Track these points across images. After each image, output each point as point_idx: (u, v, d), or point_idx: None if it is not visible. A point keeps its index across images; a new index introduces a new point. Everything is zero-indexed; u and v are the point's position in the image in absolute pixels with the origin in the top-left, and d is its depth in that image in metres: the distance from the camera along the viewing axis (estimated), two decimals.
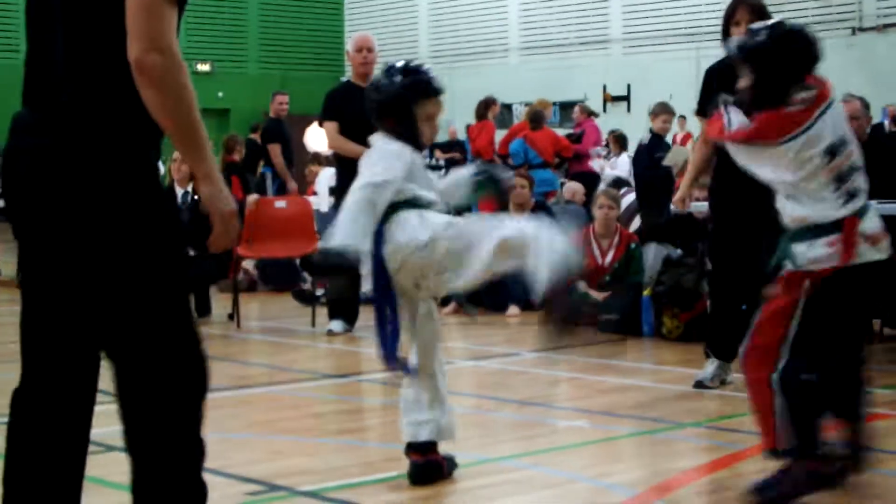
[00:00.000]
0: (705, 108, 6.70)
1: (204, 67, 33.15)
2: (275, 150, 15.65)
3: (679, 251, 9.97)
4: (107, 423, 6.29)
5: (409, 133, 4.96)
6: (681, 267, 9.38)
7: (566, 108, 25.33)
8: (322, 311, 10.17)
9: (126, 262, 3.13)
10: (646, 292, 9.60)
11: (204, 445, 3.34)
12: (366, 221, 4.72)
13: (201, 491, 3.32)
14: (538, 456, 5.66)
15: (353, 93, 9.34)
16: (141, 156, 3.18)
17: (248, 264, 12.72)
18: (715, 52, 6.96)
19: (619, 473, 5.31)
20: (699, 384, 7.09)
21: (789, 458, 4.65)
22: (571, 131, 19.36)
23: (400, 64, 5.07)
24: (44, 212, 3.12)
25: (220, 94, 31.89)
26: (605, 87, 28.49)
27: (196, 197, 10.14)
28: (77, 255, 3.12)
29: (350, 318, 9.77)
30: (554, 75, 28.06)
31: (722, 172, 6.94)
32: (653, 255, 10.43)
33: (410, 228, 4.81)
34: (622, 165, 17.82)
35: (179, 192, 10.81)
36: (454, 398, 7.29)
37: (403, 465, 5.14)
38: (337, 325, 9.75)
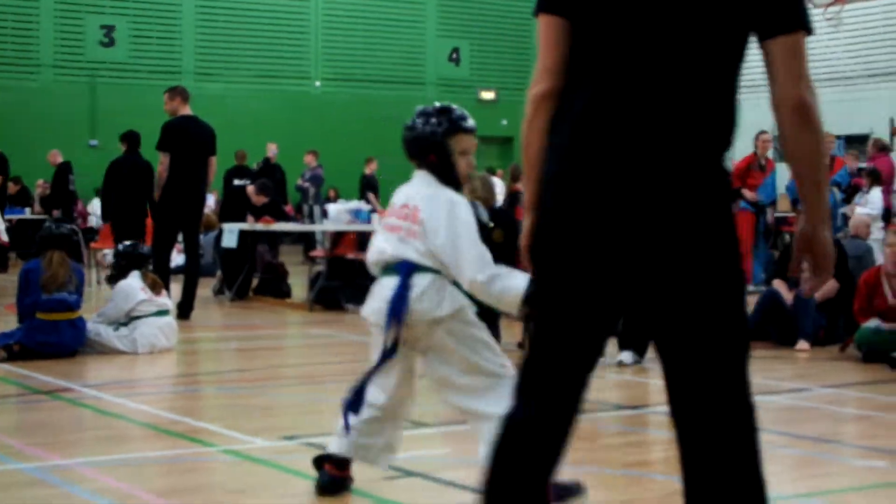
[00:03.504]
0: None
1: (488, 95, 33.78)
2: None
3: None
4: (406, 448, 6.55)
5: (447, 168, 5.32)
6: None
7: (852, 141, 24.82)
8: (612, 342, 10.16)
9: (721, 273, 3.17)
10: None
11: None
12: None
13: None
14: (833, 495, 5.66)
15: None
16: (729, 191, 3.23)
17: None
18: None
19: None
20: None
21: None
22: (863, 165, 19.09)
23: (434, 106, 5.46)
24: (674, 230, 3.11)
25: (504, 122, 32.43)
26: (892, 121, 27.71)
27: (492, 225, 10.39)
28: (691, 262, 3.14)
29: (640, 350, 9.83)
30: (838, 108, 27.41)
31: None
32: None
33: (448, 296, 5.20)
34: (874, 201, 17.51)
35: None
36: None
37: None
38: (627, 357, 9.83)
